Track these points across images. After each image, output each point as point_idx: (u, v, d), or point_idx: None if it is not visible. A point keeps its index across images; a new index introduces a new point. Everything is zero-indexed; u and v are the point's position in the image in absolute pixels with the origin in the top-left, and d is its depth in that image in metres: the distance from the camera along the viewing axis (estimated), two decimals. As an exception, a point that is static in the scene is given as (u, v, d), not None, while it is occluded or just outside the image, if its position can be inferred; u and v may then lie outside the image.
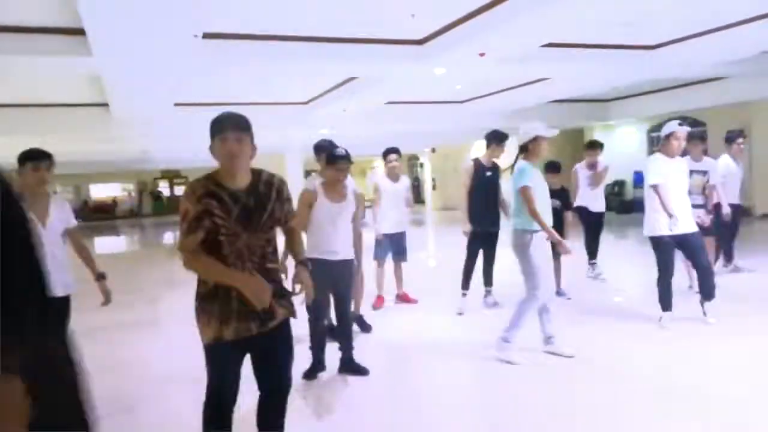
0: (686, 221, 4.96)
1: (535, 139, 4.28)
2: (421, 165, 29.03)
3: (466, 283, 6.09)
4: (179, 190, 33.43)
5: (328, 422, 3.68)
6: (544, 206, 4.36)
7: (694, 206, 6.42)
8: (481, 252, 6.07)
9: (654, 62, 9.14)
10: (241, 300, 2.50)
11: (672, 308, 5.10)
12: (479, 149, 22.31)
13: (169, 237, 19.92)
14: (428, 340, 5.27)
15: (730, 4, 6.99)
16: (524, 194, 4.31)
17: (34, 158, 3.61)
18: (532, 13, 5.97)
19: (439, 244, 14.20)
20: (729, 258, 7.22)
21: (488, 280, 6.20)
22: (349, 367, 4.40)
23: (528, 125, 4.36)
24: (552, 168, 6.35)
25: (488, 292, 6.24)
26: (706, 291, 5.08)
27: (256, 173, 2.64)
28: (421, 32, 7.26)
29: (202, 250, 2.52)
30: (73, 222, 3.90)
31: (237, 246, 2.53)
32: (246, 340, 2.58)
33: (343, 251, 4.32)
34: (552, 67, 9.03)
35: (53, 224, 3.69)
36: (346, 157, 4.17)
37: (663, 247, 5.01)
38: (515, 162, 4.47)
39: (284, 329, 2.71)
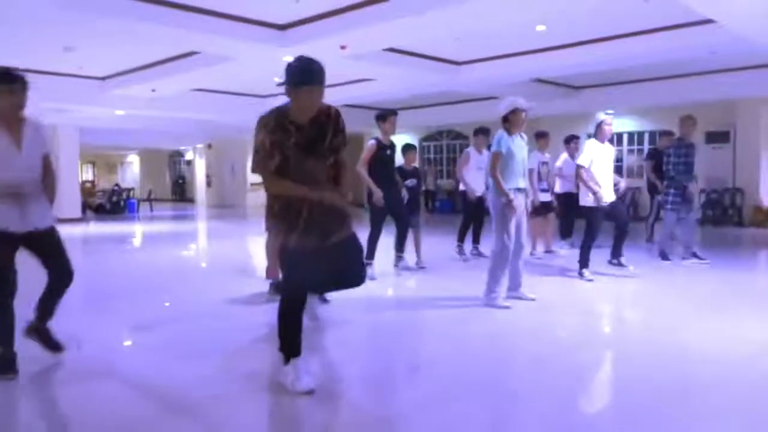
0: (609, 193, 6.19)
1: (514, 111, 4.95)
2: (188, 162, 27.93)
3: (371, 254, 6.41)
4: None
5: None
6: (518, 169, 5.05)
7: (541, 190, 7.94)
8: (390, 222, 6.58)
9: (457, 76, 10.70)
10: (307, 218, 2.99)
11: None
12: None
13: None
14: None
15: (522, 37, 8.69)
16: (492, 158, 5.01)
17: (8, 81, 3.16)
18: (396, 19, 6.79)
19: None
20: (568, 235, 8.75)
21: (400, 247, 6.78)
22: None
23: (508, 99, 5.02)
24: (407, 149, 7.36)
25: (401, 258, 6.84)
26: (619, 248, 6.60)
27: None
28: (284, 18, 7.52)
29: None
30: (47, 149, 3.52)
31: (304, 169, 2.98)
32: (315, 250, 3.03)
33: None
34: (379, 69, 9.91)
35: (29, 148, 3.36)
36: None
37: (591, 216, 6.17)
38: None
39: (350, 240, 3.18)
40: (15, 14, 6.75)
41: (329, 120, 3.05)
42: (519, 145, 5.10)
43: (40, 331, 3.61)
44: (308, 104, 2.93)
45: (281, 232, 3.09)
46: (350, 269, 3.22)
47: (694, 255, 7.19)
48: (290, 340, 3.19)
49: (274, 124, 2.93)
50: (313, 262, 3.08)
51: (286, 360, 3.20)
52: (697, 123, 7.28)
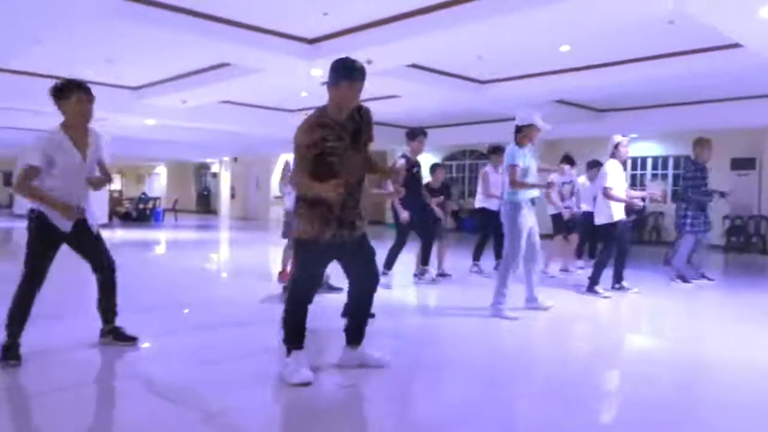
0: (621, 212, 6.22)
1: (530, 126, 5.04)
2: (214, 174, 28.36)
3: (389, 265, 6.46)
4: None
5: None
6: (531, 181, 5.12)
7: (565, 208, 7.99)
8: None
9: (480, 96, 10.82)
10: (339, 212, 3.19)
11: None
12: (282, 161, 23.01)
13: None
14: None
15: (545, 57, 8.76)
16: (511, 172, 5.03)
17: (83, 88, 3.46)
18: (421, 35, 6.97)
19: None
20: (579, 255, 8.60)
21: (426, 260, 6.87)
22: None
23: (526, 112, 5.10)
24: (435, 168, 7.60)
25: (426, 271, 6.91)
26: (620, 273, 6.52)
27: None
28: (313, 32, 7.72)
29: (316, 168, 3.12)
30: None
31: (350, 162, 3.20)
32: (337, 246, 3.26)
33: None
34: (404, 85, 10.07)
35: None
36: None
37: (610, 232, 6.27)
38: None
39: (365, 239, 3.42)
40: (61, 24, 7.02)
41: (361, 118, 3.29)
42: (530, 158, 5.18)
43: (113, 332, 3.88)
44: (349, 98, 3.14)
45: (313, 223, 3.18)
46: (368, 267, 3.42)
47: (703, 276, 7.38)
48: (295, 332, 3.30)
49: (315, 122, 3.14)
50: (329, 259, 3.32)
51: (288, 352, 3.30)
52: (712, 146, 7.16)
